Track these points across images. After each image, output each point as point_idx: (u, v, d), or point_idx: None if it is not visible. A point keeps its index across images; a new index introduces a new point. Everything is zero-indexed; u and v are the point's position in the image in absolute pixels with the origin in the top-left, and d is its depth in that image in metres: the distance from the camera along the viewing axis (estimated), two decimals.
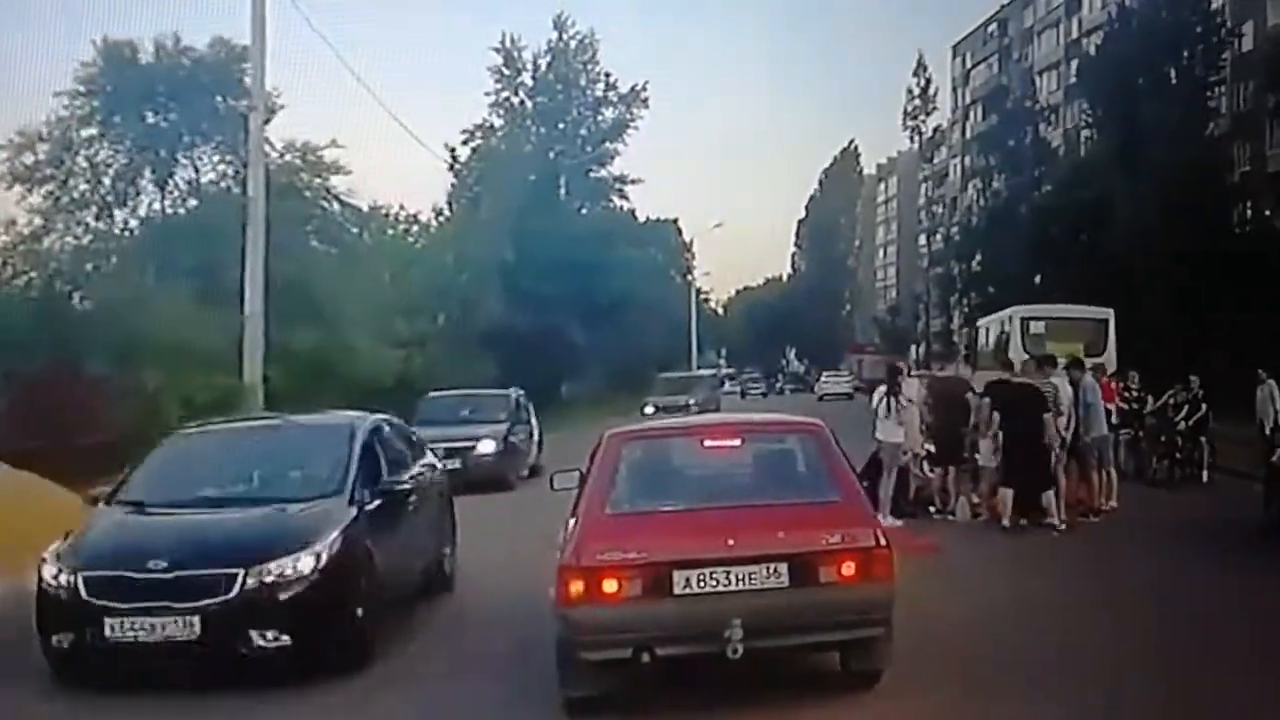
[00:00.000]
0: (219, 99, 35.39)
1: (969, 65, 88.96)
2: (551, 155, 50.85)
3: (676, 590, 6.77)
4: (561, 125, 52.67)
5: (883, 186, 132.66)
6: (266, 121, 26.66)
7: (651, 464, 7.95)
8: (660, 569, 6.78)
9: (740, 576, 6.79)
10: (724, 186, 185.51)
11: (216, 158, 36.53)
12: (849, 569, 6.86)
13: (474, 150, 45.98)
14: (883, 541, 7.04)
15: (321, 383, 22.71)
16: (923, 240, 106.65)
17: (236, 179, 30.99)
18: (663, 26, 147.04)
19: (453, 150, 46.22)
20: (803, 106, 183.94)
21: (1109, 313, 24.76)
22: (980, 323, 31.09)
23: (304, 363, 23.87)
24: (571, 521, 7.43)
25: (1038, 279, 49.55)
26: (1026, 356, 19.36)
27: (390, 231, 37.30)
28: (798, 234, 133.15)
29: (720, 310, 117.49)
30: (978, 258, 62.74)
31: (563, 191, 49.03)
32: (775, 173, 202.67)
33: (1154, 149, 42.28)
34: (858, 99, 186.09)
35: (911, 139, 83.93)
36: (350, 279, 30.45)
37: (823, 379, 74.07)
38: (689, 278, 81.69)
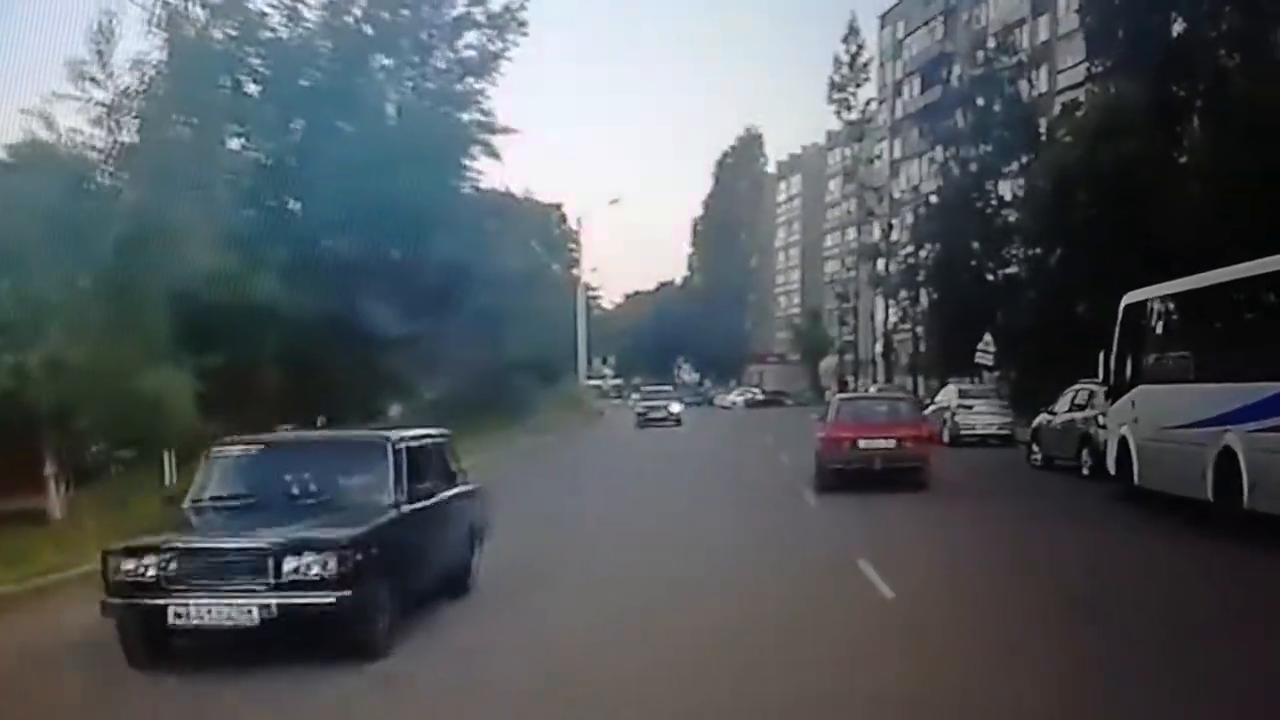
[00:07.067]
0: None
1: (901, 35, 78.39)
2: (393, 86, 36.40)
3: (860, 447, 21.57)
4: (410, 53, 38.09)
5: (784, 185, 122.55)
6: None
7: (854, 408, 24.16)
8: (853, 440, 21.68)
9: (880, 442, 21.51)
10: (612, 173, 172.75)
11: None
12: (914, 443, 21.84)
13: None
14: (925, 434, 23.10)
15: None
16: (833, 238, 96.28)
17: None
18: None
19: None
20: (705, 95, 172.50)
21: None
22: (1141, 295, 17.49)
23: None
24: (825, 426, 22.77)
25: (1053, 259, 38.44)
26: None
27: None
28: (694, 233, 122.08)
29: (602, 311, 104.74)
30: (934, 246, 51.11)
31: (392, 123, 33.65)
32: (669, 165, 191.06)
33: (1206, 89, 31.88)
34: (761, 90, 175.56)
35: (839, 114, 71.96)
36: None
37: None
38: (575, 271, 68.36)
